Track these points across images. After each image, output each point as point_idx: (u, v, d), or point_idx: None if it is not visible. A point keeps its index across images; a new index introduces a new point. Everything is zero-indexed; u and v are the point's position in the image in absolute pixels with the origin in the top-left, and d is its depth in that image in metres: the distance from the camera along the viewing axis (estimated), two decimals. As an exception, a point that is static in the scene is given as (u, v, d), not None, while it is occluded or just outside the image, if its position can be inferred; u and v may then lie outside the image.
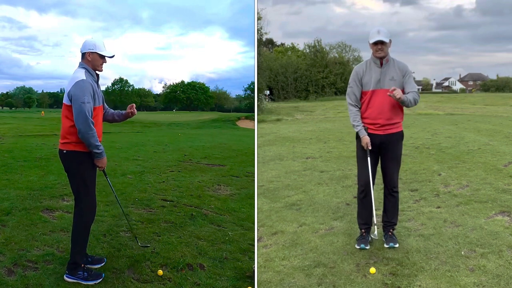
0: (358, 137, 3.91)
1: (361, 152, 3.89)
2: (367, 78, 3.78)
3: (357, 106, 3.87)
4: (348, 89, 3.89)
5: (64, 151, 3.32)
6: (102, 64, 3.44)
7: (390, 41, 3.71)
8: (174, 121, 29.99)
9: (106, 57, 3.42)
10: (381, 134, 3.79)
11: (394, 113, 3.78)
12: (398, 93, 3.61)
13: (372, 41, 3.67)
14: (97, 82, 3.43)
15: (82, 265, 3.39)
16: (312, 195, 5.55)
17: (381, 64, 3.75)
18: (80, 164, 3.33)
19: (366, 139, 3.77)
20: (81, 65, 3.38)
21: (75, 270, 3.34)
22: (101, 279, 3.36)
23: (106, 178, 3.64)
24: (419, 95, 3.80)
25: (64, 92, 3.43)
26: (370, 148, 3.78)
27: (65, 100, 3.29)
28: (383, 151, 3.85)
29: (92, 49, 3.35)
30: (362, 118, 3.86)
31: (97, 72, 3.44)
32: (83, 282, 3.30)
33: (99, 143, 3.29)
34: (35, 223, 4.52)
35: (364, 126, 3.80)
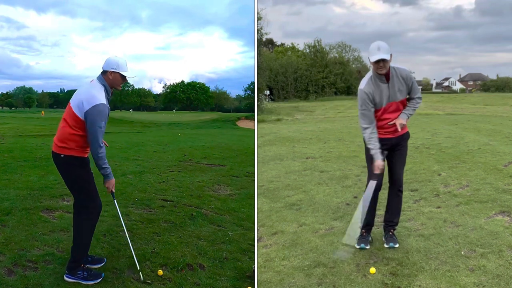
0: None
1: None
2: (377, 98, 3.68)
3: (373, 128, 3.72)
4: (362, 111, 3.69)
5: (62, 155, 3.31)
6: (121, 84, 3.46)
7: (391, 55, 3.58)
8: (174, 121, 30.01)
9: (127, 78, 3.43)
10: (392, 137, 3.80)
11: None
12: (401, 123, 3.71)
13: (373, 59, 3.53)
14: (109, 100, 3.42)
15: (82, 264, 3.39)
16: (312, 195, 5.55)
17: (387, 79, 3.66)
18: (77, 167, 3.35)
19: (379, 164, 3.68)
20: (101, 81, 3.37)
21: (75, 270, 3.35)
22: (101, 279, 3.36)
23: (114, 199, 3.59)
24: (420, 98, 3.82)
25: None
26: (382, 172, 3.72)
27: (75, 110, 3.26)
28: (393, 152, 3.85)
29: (115, 69, 3.35)
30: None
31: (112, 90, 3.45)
32: (83, 282, 3.30)
33: (107, 165, 3.34)
34: (35, 223, 4.52)
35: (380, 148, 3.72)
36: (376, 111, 3.75)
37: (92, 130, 3.22)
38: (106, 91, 3.36)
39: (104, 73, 3.38)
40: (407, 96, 3.80)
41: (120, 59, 3.40)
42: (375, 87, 3.67)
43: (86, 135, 3.27)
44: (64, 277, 3.36)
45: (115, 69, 3.36)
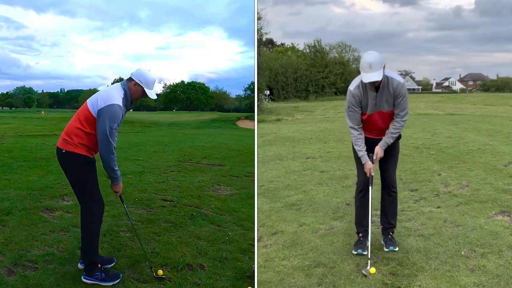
0: None
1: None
2: (364, 102, 3.63)
3: (359, 129, 3.71)
4: (349, 112, 3.68)
5: (63, 151, 3.25)
6: (139, 98, 3.42)
7: (384, 66, 3.48)
8: (174, 121, 29.96)
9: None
10: (376, 138, 3.76)
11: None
12: (379, 155, 3.68)
13: (364, 81, 3.46)
14: (127, 107, 3.37)
15: (99, 265, 3.34)
16: (312, 195, 5.55)
17: (377, 89, 3.59)
18: (78, 165, 3.28)
19: (369, 166, 3.69)
20: (123, 85, 3.34)
21: (93, 271, 3.30)
22: (119, 280, 3.32)
23: (123, 203, 3.60)
24: (404, 120, 3.66)
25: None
26: (372, 174, 3.71)
27: (90, 106, 3.23)
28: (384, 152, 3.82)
29: (141, 82, 3.33)
30: None
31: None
32: (102, 283, 3.26)
33: (117, 168, 3.29)
34: (35, 223, 4.52)
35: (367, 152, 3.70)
36: (362, 114, 3.70)
37: (103, 129, 3.15)
38: (126, 97, 3.31)
39: (130, 80, 3.35)
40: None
41: (150, 76, 3.36)
42: (364, 92, 3.61)
43: (93, 134, 3.21)
44: (82, 278, 3.30)
45: (141, 82, 3.33)
